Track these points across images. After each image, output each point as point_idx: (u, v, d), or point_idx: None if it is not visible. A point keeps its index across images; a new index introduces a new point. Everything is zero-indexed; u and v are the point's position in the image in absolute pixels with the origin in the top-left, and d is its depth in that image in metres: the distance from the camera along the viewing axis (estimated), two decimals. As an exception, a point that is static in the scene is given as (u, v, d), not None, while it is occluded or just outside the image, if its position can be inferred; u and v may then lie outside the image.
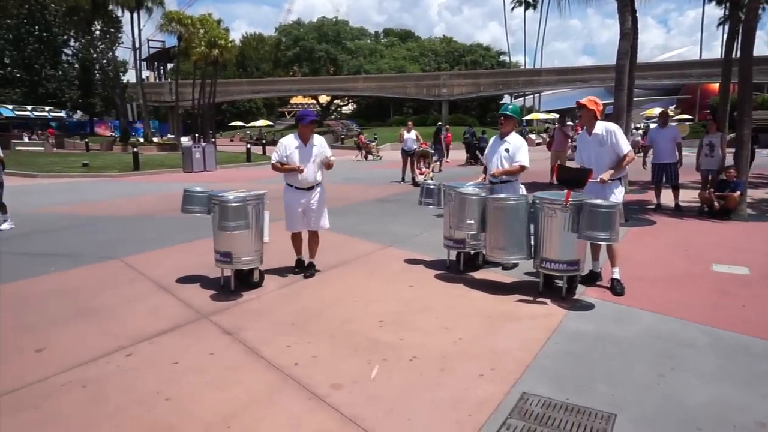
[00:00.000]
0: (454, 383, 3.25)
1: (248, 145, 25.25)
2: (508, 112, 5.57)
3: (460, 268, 5.71)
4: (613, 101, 10.57)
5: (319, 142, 5.31)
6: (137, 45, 38.27)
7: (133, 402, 3.02)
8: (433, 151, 16.93)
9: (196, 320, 4.31)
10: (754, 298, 4.81)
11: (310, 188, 5.29)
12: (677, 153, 9.56)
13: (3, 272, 5.70)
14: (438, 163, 18.62)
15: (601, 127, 4.98)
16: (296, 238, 5.58)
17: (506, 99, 59.50)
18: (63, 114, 44.69)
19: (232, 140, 49.53)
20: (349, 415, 2.89)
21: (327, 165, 5.36)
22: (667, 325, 4.20)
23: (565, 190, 4.63)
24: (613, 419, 2.84)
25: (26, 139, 35.13)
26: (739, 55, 10.05)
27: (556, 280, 4.95)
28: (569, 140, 15.15)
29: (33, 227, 8.40)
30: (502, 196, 5.05)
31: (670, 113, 34.57)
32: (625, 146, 4.94)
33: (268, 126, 54.57)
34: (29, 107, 40.78)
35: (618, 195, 4.94)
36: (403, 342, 3.84)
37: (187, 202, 5.09)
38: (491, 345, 3.81)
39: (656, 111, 40.61)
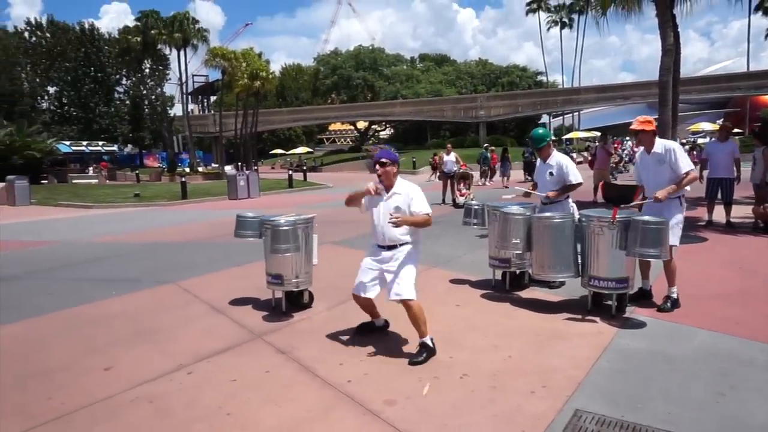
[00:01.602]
0: (506, 400, 3.27)
1: (290, 172, 25.85)
2: (537, 146, 5.60)
3: (506, 287, 5.71)
4: (657, 117, 10.40)
5: (405, 191, 4.04)
6: (183, 80, 40.21)
7: (197, 417, 3.18)
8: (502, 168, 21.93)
9: (250, 340, 4.48)
10: (817, 315, 4.62)
11: (391, 247, 4.07)
12: (735, 168, 9.29)
13: (70, 297, 6.05)
14: (505, 177, 21.51)
15: (660, 145, 4.86)
16: (360, 302, 4.29)
17: (544, 119, 59.12)
18: (115, 148, 46.98)
19: (273, 168, 50.82)
20: (404, 430, 2.95)
21: (417, 222, 3.99)
22: (724, 343, 4.10)
23: (613, 207, 4.62)
24: (672, 437, 2.80)
25: (91, 172, 37.36)
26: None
27: (605, 300, 4.90)
28: (611, 157, 14.98)
29: (93, 255, 8.86)
30: (547, 214, 5.06)
31: (716, 127, 33.56)
32: (685, 165, 4.74)
33: (308, 153, 55.77)
34: (84, 143, 43.12)
35: (677, 215, 4.81)
36: (453, 360, 3.88)
37: (240, 227, 5.32)
38: (541, 363, 3.81)
39: (703, 126, 39.54)
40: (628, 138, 40.61)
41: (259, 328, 4.75)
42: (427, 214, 3.98)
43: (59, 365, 4.05)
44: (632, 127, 4.95)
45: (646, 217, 4.44)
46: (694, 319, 4.60)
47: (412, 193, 4.02)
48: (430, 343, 3.96)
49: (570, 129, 53.66)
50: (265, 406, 3.30)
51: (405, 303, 3.95)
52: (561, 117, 59.66)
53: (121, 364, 4.03)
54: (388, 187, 4.06)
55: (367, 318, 4.50)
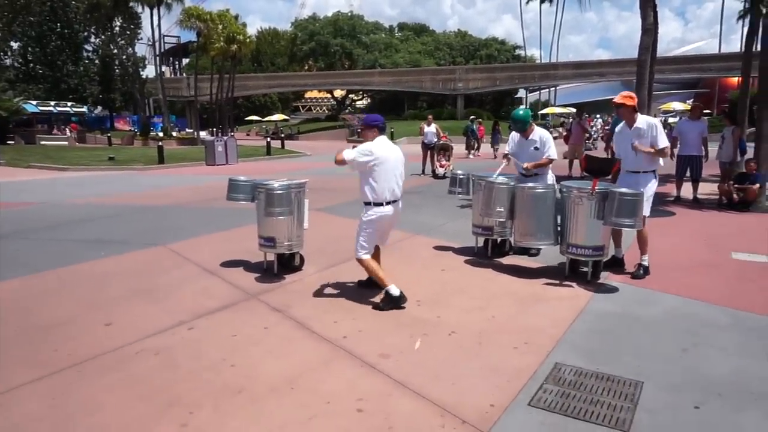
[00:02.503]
0: (491, 354, 3.54)
1: (268, 139, 25.61)
2: (523, 128, 5.77)
3: (488, 254, 5.98)
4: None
5: None
6: (156, 40, 38.89)
7: (203, 367, 3.36)
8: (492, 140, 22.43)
9: (245, 299, 4.64)
10: (773, 284, 5.02)
11: None
12: (703, 147, 9.70)
13: (59, 257, 6.08)
14: (495, 149, 22.20)
15: (643, 121, 5.10)
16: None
17: (521, 93, 59.39)
18: (84, 109, 45.42)
19: (248, 134, 50.04)
20: (399, 379, 3.19)
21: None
22: (690, 307, 4.44)
23: (592, 179, 4.88)
24: (641, 386, 3.11)
25: (69, 133, 35.95)
26: (759, 49, 10.13)
27: (582, 266, 5.20)
28: (586, 133, 15.37)
29: (74, 217, 8.81)
30: (530, 184, 5.30)
31: (687, 107, 34.39)
32: (663, 141, 5.02)
33: (284, 120, 55.01)
34: (52, 103, 41.57)
35: (651, 188, 5.10)
36: (441, 319, 4.13)
37: (233, 191, 5.40)
38: (523, 322, 4.09)
39: (674, 105, 40.39)
40: (598, 116, 41.29)
41: (253, 288, 4.91)
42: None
43: (60, 321, 4.15)
44: (615, 100, 5.17)
45: (623, 189, 4.71)
46: (662, 285, 4.95)
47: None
48: (394, 292, 4.33)
49: (546, 104, 54.14)
50: (266, 358, 3.50)
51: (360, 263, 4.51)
52: (538, 92, 60.03)
53: (122, 320, 4.16)
54: None
55: (367, 288, 4.81)
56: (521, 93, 59.46)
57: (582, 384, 3.14)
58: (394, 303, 4.32)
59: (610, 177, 5.14)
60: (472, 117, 25.43)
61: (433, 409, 2.86)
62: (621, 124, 5.36)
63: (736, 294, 4.74)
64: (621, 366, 3.36)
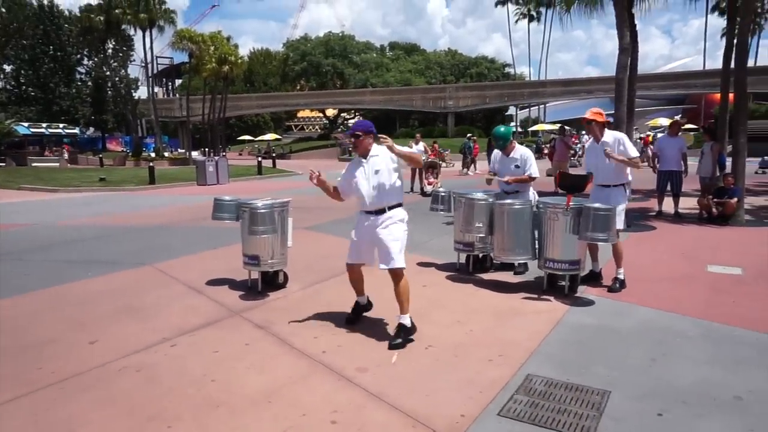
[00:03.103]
0: (466, 367, 3.63)
1: (259, 159, 25.78)
2: (504, 144, 5.86)
3: (470, 269, 6.10)
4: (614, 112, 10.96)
5: (381, 151, 4.11)
6: (148, 62, 39.29)
7: (184, 383, 3.43)
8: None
9: (229, 317, 4.73)
10: (746, 295, 5.16)
11: (379, 212, 4.15)
12: (683, 163, 9.91)
13: (49, 277, 6.15)
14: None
15: (610, 135, 5.31)
16: (352, 273, 4.41)
17: (511, 110, 60.18)
18: (77, 131, 45.53)
19: (240, 154, 50.32)
20: (375, 392, 3.28)
21: (412, 162, 4.35)
22: (663, 318, 4.56)
23: (567, 195, 5.03)
24: (608, 395, 3.21)
25: (66, 155, 35.87)
26: (734, 66, 10.44)
27: (559, 280, 5.32)
28: (570, 150, 15.65)
29: (65, 238, 8.87)
30: (508, 201, 5.44)
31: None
32: (633, 152, 5.23)
33: (276, 139, 55.36)
34: (44, 125, 41.69)
35: (623, 203, 5.25)
36: (420, 333, 4.21)
37: (218, 210, 5.52)
38: (500, 336, 4.20)
39: (661, 121, 41.01)
40: (584, 132, 41.87)
41: (236, 306, 5.00)
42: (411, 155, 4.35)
43: (45, 339, 4.22)
44: (585, 116, 5.36)
45: (596, 204, 4.86)
46: (638, 298, 5.07)
47: (385, 151, 4.07)
48: (408, 323, 4.05)
49: (536, 121, 54.81)
50: (247, 373, 3.58)
51: (394, 272, 4.03)
52: (527, 109, 60.82)
53: (106, 338, 4.23)
54: (364, 154, 4.15)
55: (348, 306, 4.71)
56: (511, 110, 60.23)
57: (551, 394, 3.24)
58: (408, 333, 4.05)
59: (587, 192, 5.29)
60: (469, 135, 25.19)
61: (406, 420, 2.95)
62: (591, 140, 5.54)
63: (709, 306, 4.86)
64: (591, 376, 3.46)
